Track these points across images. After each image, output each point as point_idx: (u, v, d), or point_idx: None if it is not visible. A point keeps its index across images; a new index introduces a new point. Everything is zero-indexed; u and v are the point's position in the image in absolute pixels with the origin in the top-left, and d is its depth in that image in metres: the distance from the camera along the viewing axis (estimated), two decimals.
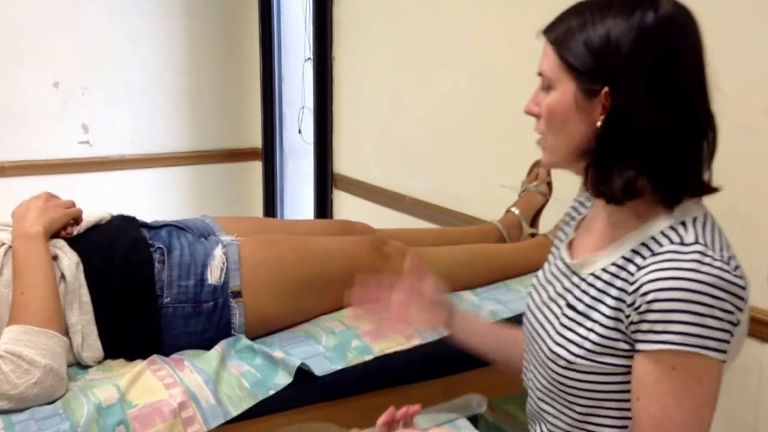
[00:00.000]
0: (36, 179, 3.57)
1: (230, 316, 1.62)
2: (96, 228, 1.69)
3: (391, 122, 3.12)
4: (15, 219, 1.60)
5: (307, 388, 1.53)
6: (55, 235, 1.62)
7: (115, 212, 1.66)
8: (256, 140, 4.05)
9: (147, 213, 3.75)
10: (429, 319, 1.43)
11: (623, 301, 1.09)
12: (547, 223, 2.20)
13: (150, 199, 3.91)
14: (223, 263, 1.64)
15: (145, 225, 1.76)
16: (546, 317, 1.24)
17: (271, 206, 4.07)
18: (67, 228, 1.66)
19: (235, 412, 1.45)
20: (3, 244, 1.56)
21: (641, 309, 1.04)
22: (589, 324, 1.14)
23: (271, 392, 1.50)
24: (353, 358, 1.58)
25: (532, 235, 2.18)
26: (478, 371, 1.65)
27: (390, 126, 3.13)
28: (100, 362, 1.56)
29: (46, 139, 3.63)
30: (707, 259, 1.02)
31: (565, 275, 1.23)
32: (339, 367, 1.56)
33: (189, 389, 1.45)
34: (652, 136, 1.07)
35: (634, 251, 1.11)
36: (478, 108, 2.61)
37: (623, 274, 1.11)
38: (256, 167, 4.09)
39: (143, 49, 3.81)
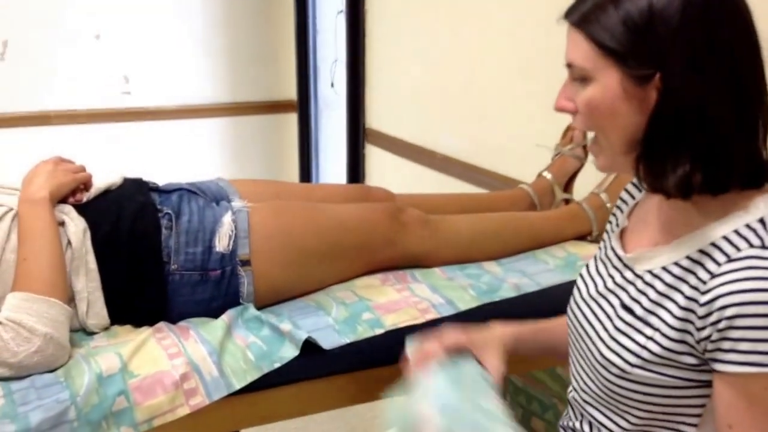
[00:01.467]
0: (80, 128, 3.68)
1: (238, 285, 1.57)
2: (106, 194, 1.64)
3: (424, 76, 3.03)
4: (23, 183, 1.56)
5: (314, 361, 1.47)
6: (64, 200, 1.58)
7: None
8: (292, 92, 3.99)
9: (184, 163, 3.81)
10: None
11: (692, 311, 0.96)
12: (581, 188, 2.11)
13: (188, 149, 3.94)
14: (232, 230, 1.59)
15: (156, 189, 1.71)
16: (595, 314, 1.13)
17: (306, 158, 4.02)
18: (76, 194, 1.62)
19: (238, 385, 1.41)
20: (11, 209, 1.52)
21: (721, 325, 0.92)
22: (648, 331, 1.02)
23: (277, 365, 1.44)
24: (363, 332, 1.53)
25: (566, 202, 2.09)
26: None
27: (423, 80, 3.04)
28: (107, 329, 1.53)
29: (88, 89, 3.70)
30: None
31: (617, 269, 1.12)
32: (348, 341, 1.50)
33: (192, 360, 1.41)
34: (711, 121, 0.94)
35: (703, 252, 0.98)
36: (514, 62, 2.50)
37: (692, 280, 0.98)
38: (292, 119, 4.04)
39: (182, 2, 3.80)
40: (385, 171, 3.43)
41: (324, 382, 1.50)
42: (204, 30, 3.84)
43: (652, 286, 1.03)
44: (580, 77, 1.01)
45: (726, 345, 0.92)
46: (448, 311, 1.60)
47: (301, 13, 3.84)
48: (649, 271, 1.05)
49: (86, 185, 1.64)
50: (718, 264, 0.95)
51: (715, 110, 0.94)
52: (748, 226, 0.95)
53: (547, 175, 2.09)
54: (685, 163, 0.95)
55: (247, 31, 3.93)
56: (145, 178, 1.75)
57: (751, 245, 0.93)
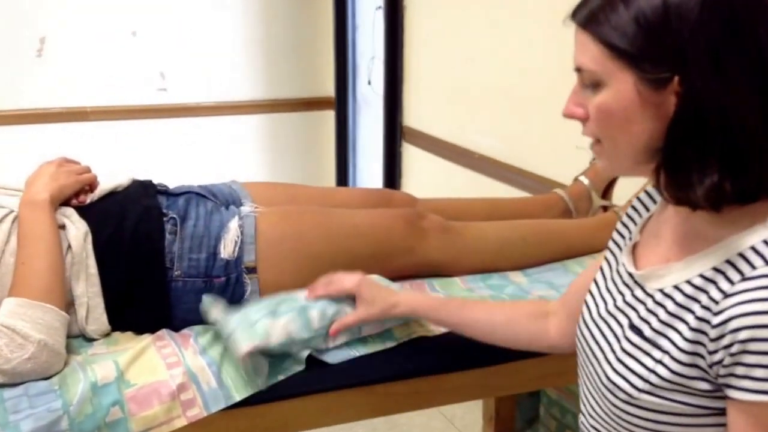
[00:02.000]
0: (116, 124, 3.67)
1: (243, 293, 1.51)
2: (111, 195, 1.59)
3: (463, 74, 2.94)
4: (26, 185, 1.52)
5: (319, 375, 1.40)
6: (67, 202, 1.54)
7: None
8: (330, 89, 3.92)
9: (220, 161, 3.77)
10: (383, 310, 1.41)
11: (704, 333, 0.88)
12: (621, 194, 1.99)
13: (224, 147, 3.90)
14: (238, 236, 1.52)
15: (164, 191, 1.65)
16: (604, 335, 1.04)
17: (343, 156, 3.95)
18: (80, 195, 1.57)
19: (238, 397, 1.34)
20: (12, 211, 1.48)
21: (733, 350, 0.83)
22: (657, 354, 0.93)
23: (280, 377, 1.37)
24: (373, 345, 1.45)
25: (605, 209, 1.97)
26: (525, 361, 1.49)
27: (461, 78, 2.95)
28: (107, 335, 1.48)
29: (125, 86, 3.68)
30: None
31: (628, 286, 1.03)
32: (357, 354, 1.43)
33: (190, 370, 1.34)
34: (736, 125, 0.85)
35: (717, 270, 0.89)
36: (554, 60, 2.39)
37: (703, 299, 0.89)
38: (329, 117, 3.97)
39: None
40: (422, 170, 3.34)
41: (331, 396, 1.42)
42: (241, 26, 3.79)
43: (662, 306, 0.95)
44: (590, 82, 0.93)
45: (740, 371, 0.84)
46: None
47: (340, 8, 3.77)
48: (660, 290, 0.96)
49: (91, 186, 1.59)
50: (732, 282, 0.86)
51: (742, 114, 0.84)
52: (765, 241, 0.86)
53: (584, 180, 1.98)
54: (712, 173, 0.86)
55: (285, 26, 3.87)
56: (156, 180, 1.69)
57: (767, 263, 0.84)
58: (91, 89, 3.60)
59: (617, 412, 0.98)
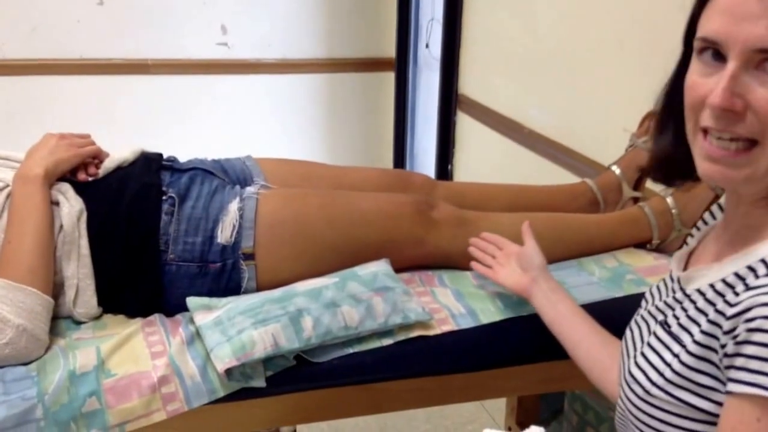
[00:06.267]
0: (177, 78, 3.66)
1: (239, 280, 1.46)
2: (114, 172, 1.54)
3: (519, 44, 2.81)
4: (25, 157, 1.49)
5: (308, 372, 1.36)
6: (74, 175, 1.51)
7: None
8: (391, 50, 3.83)
9: (280, 119, 3.74)
10: (514, 281, 1.40)
11: (719, 326, 0.84)
12: (654, 186, 1.88)
13: (283, 105, 3.85)
14: (236, 220, 1.47)
15: (170, 167, 1.59)
16: (641, 333, 1.03)
17: (402, 120, 3.87)
18: (89, 168, 1.54)
19: (223, 392, 1.32)
20: (8, 185, 1.45)
21: (739, 338, 0.79)
22: (676, 348, 0.91)
23: (269, 373, 1.34)
24: (369, 342, 1.40)
25: (635, 201, 1.86)
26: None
27: (517, 48, 2.82)
28: (97, 318, 1.46)
29: (186, 38, 3.64)
30: None
31: (672, 290, 1.01)
32: (351, 351, 1.38)
33: (174, 362, 1.32)
34: None
35: (751, 268, 0.85)
36: (613, 35, 2.25)
37: (729, 295, 0.85)
38: (389, 79, 3.88)
39: None
40: (475, 141, 3.24)
41: (317, 393, 1.38)
42: None
43: (694, 303, 0.93)
44: None
45: (739, 362, 0.80)
46: (467, 323, 1.46)
47: None
48: (698, 290, 0.93)
49: (99, 159, 1.56)
50: (758, 277, 0.83)
51: None
52: None
53: (616, 170, 1.86)
54: None
55: None
56: (166, 154, 1.65)
57: None
58: (152, 40, 3.56)
59: (631, 407, 0.96)
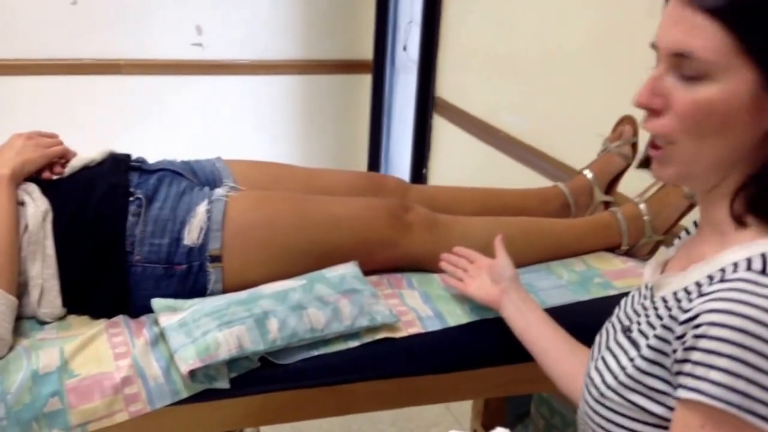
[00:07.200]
0: (149, 79, 3.62)
1: (205, 282, 1.45)
2: (81, 171, 1.53)
3: (496, 48, 2.82)
4: None
5: (273, 374, 1.36)
6: (39, 175, 1.50)
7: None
8: (368, 52, 3.82)
9: (255, 120, 3.73)
10: (484, 292, 1.41)
11: (672, 330, 0.85)
12: (626, 191, 1.88)
13: (259, 106, 3.84)
14: (204, 222, 1.46)
15: (138, 168, 1.58)
16: (607, 338, 1.04)
17: (377, 123, 3.87)
18: (55, 167, 1.53)
19: (186, 393, 1.31)
20: None
21: (687, 344, 0.80)
22: (633, 353, 0.92)
23: (233, 375, 1.33)
24: (335, 344, 1.40)
25: (607, 205, 1.86)
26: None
27: (494, 52, 2.84)
28: (61, 319, 1.44)
29: (160, 38, 3.60)
30: None
31: (644, 296, 1.01)
32: (316, 353, 1.38)
33: (137, 363, 1.31)
34: None
35: (710, 276, 0.85)
36: (590, 42, 2.26)
37: (684, 301, 0.86)
38: (366, 81, 3.88)
39: None
40: (451, 144, 3.24)
41: (283, 395, 1.38)
42: None
43: (656, 310, 0.93)
44: (694, 72, 0.82)
45: (686, 368, 0.80)
46: (434, 326, 1.46)
47: None
48: (662, 297, 0.94)
49: (65, 159, 1.55)
50: (712, 284, 0.83)
51: None
52: (763, 254, 0.82)
53: (588, 174, 1.87)
54: None
55: None
56: (134, 155, 1.64)
57: (750, 269, 0.80)
58: (125, 41, 3.54)
59: (587, 410, 0.97)
